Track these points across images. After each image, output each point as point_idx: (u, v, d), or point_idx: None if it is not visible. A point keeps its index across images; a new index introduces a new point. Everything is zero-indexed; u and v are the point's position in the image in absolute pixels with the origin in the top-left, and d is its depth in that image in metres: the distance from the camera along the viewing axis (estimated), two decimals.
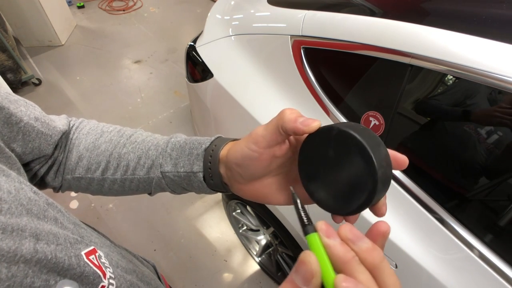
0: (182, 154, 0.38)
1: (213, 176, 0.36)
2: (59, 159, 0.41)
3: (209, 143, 0.37)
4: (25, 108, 0.35)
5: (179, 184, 0.39)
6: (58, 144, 0.40)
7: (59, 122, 0.41)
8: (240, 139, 0.37)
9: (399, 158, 0.27)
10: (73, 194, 1.85)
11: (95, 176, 0.41)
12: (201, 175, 0.37)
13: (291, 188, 0.27)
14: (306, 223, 0.23)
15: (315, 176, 0.28)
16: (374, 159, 0.24)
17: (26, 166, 0.37)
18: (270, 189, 0.34)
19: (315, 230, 0.22)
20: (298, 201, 0.26)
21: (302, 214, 0.24)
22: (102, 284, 0.29)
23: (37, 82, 2.55)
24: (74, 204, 1.83)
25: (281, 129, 0.29)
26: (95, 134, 0.42)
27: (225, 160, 0.34)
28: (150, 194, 0.43)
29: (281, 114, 0.29)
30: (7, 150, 0.30)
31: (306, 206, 0.25)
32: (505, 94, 0.54)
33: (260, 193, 0.34)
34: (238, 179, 0.34)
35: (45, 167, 0.40)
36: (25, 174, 0.33)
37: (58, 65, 2.80)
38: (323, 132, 0.27)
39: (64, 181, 0.42)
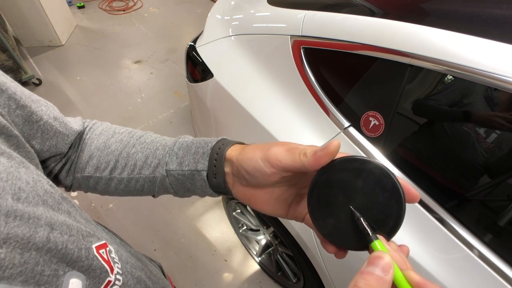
0: (188, 153, 0.39)
1: (217, 174, 0.37)
2: (72, 158, 0.42)
3: (215, 142, 0.38)
4: (45, 107, 0.37)
5: (183, 184, 0.39)
6: (73, 144, 0.42)
7: (75, 123, 0.42)
8: (244, 143, 0.38)
9: (413, 193, 0.28)
10: (73, 194, 1.85)
11: (103, 175, 0.42)
12: (204, 173, 0.37)
13: (351, 207, 0.28)
14: (370, 233, 0.27)
15: (328, 205, 0.29)
16: (404, 203, 0.27)
17: (43, 163, 0.39)
18: (269, 198, 0.35)
19: (377, 238, 0.26)
20: (360, 216, 0.28)
21: (366, 226, 0.27)
22: (108, 279, 0.29)
23: (37, 82, 2.55)
24: None
25: (305, 168, 0.29)
26: (107, 134, 0.44)
27: (233, 161, 0.35)
28: (154, 196, 0.43)
29: (307, 157, 0.29)
30: (27, 145, 0.32)
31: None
32: (501, 93, 0.54)
33: (258, 199, 0.36)
34: (242, 181, 0.35)
35: (59, 165, 0.41)
36: (42, 170, 0.34)
37: (58, 65, 2.80)
38: (355, 161, 0.28)
39: (74, 180, 0.43)
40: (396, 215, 0.27)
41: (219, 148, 0.37)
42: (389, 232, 0.28)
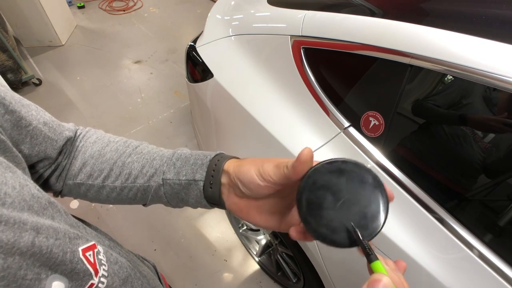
0: (186, 164, 0.40)
1: (213, 184, 0.38)
2: (63, 164, 0.42)
3: (214, 155, 0.40)
4: (35, 112, 0.37)
5: (177, 194, 0.40)
6: (63, 150, 0.42)
7: (66, 128, 0.43)
8: (239, 158, 0.40)
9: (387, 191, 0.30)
10: None
11: (95, 183, 0.42)
12: (201, 183, 0.38)
13: (352, 224, 0.29)
14: (370, 253, 0.28)
15: (318, 207, 0.30)
16: (385, 192, 0.29)
17: (32, 168, 0.39)
18: (262, 209, 0.37)
19: (377, 259, 0.27)
20: (361, 235, 0.29)
21: (366, 247, 0.28)
22: (91, 281, 0.29)
23: (37, 82, 2.55)
24: (74, 204, 1.83)
25: (289, 179, 0.32)
26: (101, 143, 0.44)
27: (230, 173, 0.37)
28: (145, 205, 0.44)
29: (290, 170, 0.31)
30: (14, 150, 0.32)
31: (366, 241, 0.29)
32: (501, 93, 0.54)
33: (251, 210, 0.37)
34: (237, 192, 0.37)
35: (49, 170, 0.41)
36: (29, 174, 0.34)
37: (59, 65, 2.80)
38: (335, 162, 0.30)
39: (65, 186, 0.43)
40: (382, 202, 0.30)
41: (218, 160, 0.39)
42: (382, 221, 0.30)
